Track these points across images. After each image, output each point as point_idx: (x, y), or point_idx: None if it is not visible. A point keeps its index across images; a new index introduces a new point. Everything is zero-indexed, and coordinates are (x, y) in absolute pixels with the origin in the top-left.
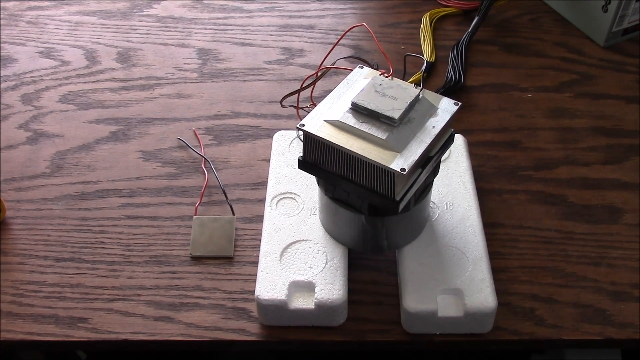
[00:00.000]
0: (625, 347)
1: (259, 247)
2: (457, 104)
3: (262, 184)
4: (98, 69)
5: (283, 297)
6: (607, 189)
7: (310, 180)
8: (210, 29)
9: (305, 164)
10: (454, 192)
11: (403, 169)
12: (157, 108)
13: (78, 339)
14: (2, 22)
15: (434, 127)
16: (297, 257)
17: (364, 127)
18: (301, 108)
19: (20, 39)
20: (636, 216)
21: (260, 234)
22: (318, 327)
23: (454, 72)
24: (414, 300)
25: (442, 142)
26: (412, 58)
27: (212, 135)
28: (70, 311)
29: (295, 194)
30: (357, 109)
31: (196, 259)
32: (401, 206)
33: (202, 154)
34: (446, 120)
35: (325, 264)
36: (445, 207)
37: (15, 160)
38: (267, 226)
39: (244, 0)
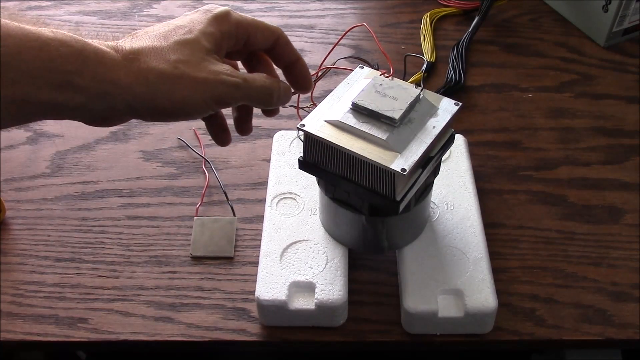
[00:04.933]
0: (625, 347)
1: (259, 247)
2: (458, 104)
3: (262, 184)
4: None
5: (283, 298)
6: (607, 189)
7: (310, 181)
8: None
9: (305, 164)
10: (455, 193)
11: (403, 170)
12: None
13: (78, 339)
14: None
15: (434, 127)
16: (297, 257)
17: (365, 128)
18: (301, 108)
19: None
20: (636, 216)
21: (261, 234)
22: (318, 327)
23: (454, 72)
24: (414, 301)
25: (442, 143)
26: (413, 58)
27: None
28: (70, 311)
29: (295, 194)
30: (358, 109)
31: (196, 259)
32: (401, 206)
33: (203, 154)
34: (446, 121)
35: (326, 264)
36: (446, 208)
37: (15, 160)
38: (267, 226)
39: (244, 0)
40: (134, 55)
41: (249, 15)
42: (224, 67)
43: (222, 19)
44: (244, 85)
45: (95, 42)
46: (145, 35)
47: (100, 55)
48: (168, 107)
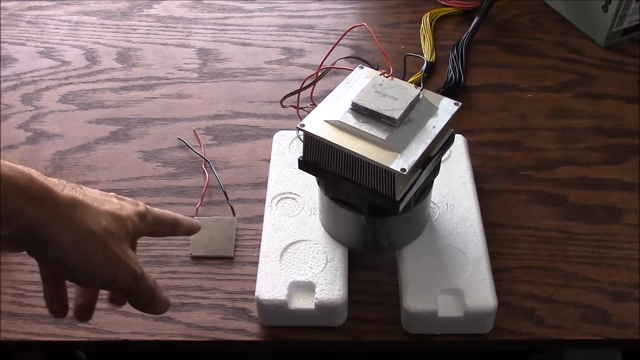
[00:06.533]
0: (625, 347)
1: (259, 247)
2: (458, 104)
3: (262, 184)
4: (98, 69)
5: (283, 297)
6: (607, 189)
7: (310, 181)
8: (210, 29)
9: (305, 164)
10: (454, 192)
11: (403, 169)
12: (157, 108)
13: (78, 339)
14: (2, 22)
15: (434, 127)
16: (297, 257)
17: (364, 128)
18: (301, 108)
19: (20, 39)
20: (636, 216)
21: (261, 234)
22: (318, 327)
23: (454, 72)
24: (414, 301)
25: (442, 142)
26: (412, 58)
27: (212, 135)
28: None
29: (295, 194)
30: (358, 109)
31: (196, 259)
32: (401, 206)
33: (202, 154)
34: (446, 121)
35: (326, 264)
36: (446, 207)
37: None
38: (267, 226)
39: (244, 0)
40: (74, 203)
41: (165, 212)
42: (133, 254)
43: (143, 216)
44: (140, 277)
45: (40, 176)
46: (84, 192)
47: (44, 192)
48: (77, 265)
